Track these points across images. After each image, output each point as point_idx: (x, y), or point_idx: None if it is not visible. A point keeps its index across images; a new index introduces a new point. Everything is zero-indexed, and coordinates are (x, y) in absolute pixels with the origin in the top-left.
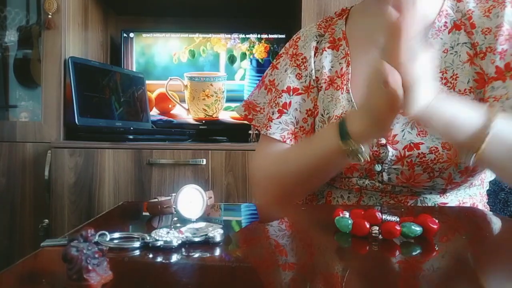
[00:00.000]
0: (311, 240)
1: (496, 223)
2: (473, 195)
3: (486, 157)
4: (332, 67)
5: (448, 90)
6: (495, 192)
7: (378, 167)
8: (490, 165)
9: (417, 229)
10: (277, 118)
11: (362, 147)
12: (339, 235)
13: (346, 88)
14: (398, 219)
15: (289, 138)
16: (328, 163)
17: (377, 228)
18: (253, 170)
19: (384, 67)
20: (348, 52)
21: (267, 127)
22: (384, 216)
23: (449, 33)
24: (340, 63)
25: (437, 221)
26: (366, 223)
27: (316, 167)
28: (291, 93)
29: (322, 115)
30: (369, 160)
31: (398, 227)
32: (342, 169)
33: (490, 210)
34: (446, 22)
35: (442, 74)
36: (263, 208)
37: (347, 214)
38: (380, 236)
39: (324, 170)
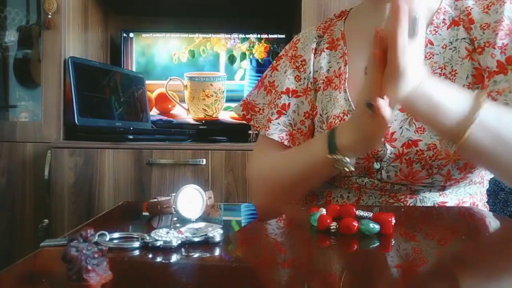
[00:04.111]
0: (311, 240)
1: (496, 223)
2: (473, 193)
3: (468, 146)
4: (330, 67)
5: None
6: (495, 192)
7: (376, 165)
8: (474, 154)
9: (376, 226)
10: (276, 119)
11: (348, 159)
12: (339, 234)
13: (344, 87)
14: (371, 215)
15: (287, 139)
16: (316, 172)
17: (335, 223)
18: (249, 170)
19: (372, 91)
20: (346, 52)
21: (266, 128)
22: (357, 212)
23: (447, 29)
24: (338, 62)
25: (394, 220)
26: (328, 219)
27: (304, 175)
28: (290, 94)
29: (320, 115)
30: (353, 170)
31: (355, 224)
32: (331, 175)
33: (490, 210)
34: (444, 19)
35: (441, 70)
36: (263, 208)
37: (323, 211)
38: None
39: (312, 178)
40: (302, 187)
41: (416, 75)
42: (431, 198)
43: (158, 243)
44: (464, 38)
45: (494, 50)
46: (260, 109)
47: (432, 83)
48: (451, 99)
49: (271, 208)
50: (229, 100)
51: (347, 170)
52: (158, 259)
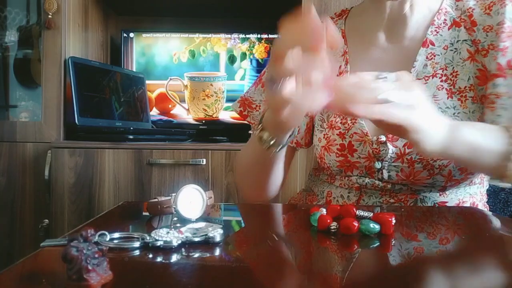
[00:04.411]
0: (311, 240)
1: (496, 223)
2: (473, 193)
3: None
4: None
5: (448, 87)
6: (495, 192)
7: (378, 165)
8: None
9: (376, 226)
10: None
11: (271, 136)
12: (339, 234)
13: None
14: (371, 215)
15: None
16: (258, 152)
17: (336, 223)
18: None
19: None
20: (347, 51)
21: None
22: (358, 212)
23: (448, 29)
24: (338, 61)
25: (394, 220)
26: (328, 219)
27: (254, 156)
28: None
29: (321, 114)
30: (277, 151)
31: (355, 224)
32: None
33: (490, 210)
34: (445, 20)
35: (442, 71)
36: (261, 208)
37: (323, 211)
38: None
39: (260, 160)
40: (261, 170)
41: (437, 125)
42: (432, 198)
43: (159, 243)
44: (465, 40)
45: (495, 53)
46: (256, 105)
47: (456, 127)
48: (483, 138)
49: (272, 209)
50: (229, 100)
51: (273, 149)
52: (159, 259)
